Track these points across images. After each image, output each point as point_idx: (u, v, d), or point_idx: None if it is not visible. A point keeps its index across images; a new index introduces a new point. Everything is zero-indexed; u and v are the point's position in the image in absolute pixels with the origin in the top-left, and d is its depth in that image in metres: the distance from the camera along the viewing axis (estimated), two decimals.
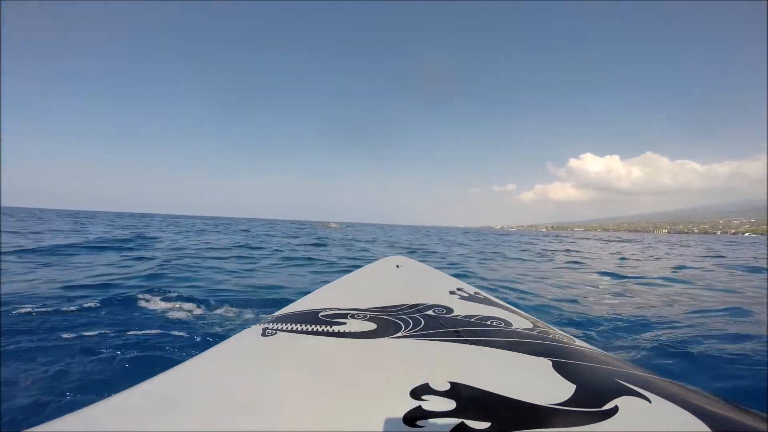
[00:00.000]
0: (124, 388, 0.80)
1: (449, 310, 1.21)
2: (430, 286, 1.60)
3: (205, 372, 0.89)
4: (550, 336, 1.06)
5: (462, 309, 1.23)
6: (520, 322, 1.15)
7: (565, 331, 1.12)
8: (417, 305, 1.25)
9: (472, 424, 0.62)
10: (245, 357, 0.98)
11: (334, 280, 1.74)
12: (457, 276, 1.79)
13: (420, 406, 0.68)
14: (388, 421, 0.65)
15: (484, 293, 1.46)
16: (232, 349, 1.03)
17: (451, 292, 1.45)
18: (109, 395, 0.78)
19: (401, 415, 0.66)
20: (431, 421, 0.64)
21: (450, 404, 0.68)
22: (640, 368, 0.88)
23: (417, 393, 0.72)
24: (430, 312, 1.18)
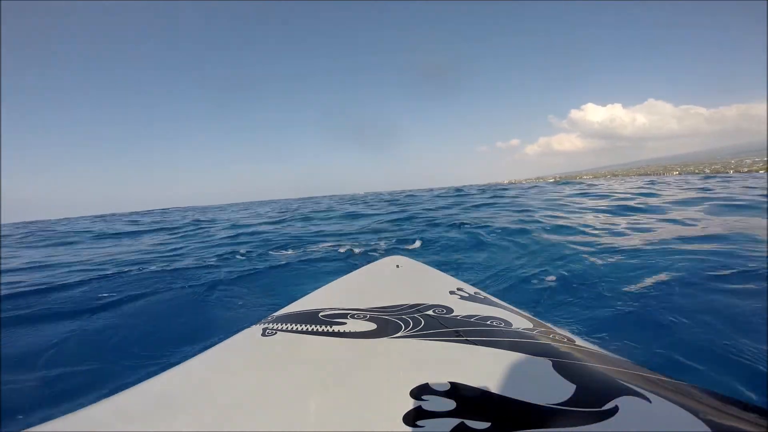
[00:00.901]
0: (122, 388, 0.80)
1: (449, 310, 1.20)
2: (430, 286, 1.59)
3: (205, 372, 0.89)
4: (550, 336, 1.05)
5: (462, 309, 1.22)
6: (520, 322, 1.14)
7: (565, 331, 1.12)
8: (417, 305, 1.24)
9: (472, 424, 0.62)
10: (245, 357, 0.98)
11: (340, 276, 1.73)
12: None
13: (420, 406, 0.68)
14: (388, 421, 0.65)
15: (484, 293, 1.47)
16: (232, 349, 1.03)
17: (451, 292, 1.44)
18: (108, 395, 0.78)
19: (401, 415, 0.66)
20: (431, 421, 0.64)
21: (450, 404, 0.68)
22: (640, 368, 0.88)
23: (417, 393, 0.72)
24: (430, 312, 1.18)
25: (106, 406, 0.74)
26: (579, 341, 1.04)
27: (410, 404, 0.68)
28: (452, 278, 1.68)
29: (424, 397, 0.70)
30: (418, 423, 0.63)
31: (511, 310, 1.27)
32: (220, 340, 1.09)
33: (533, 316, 1.24)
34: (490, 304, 1.33)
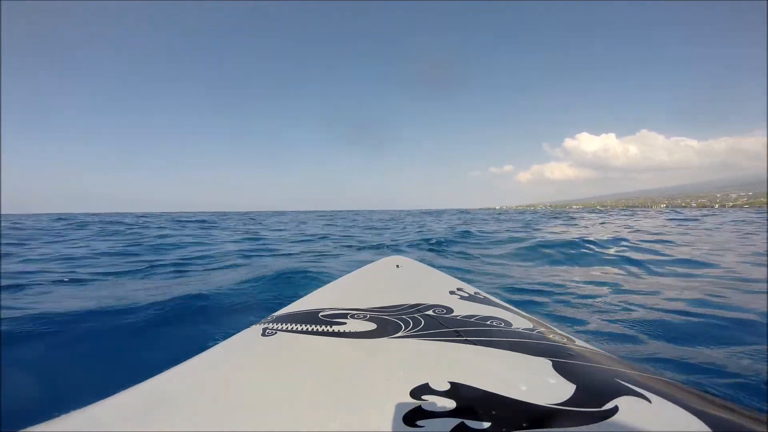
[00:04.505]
0: (123, 388, 0.79)
1: (449, 310, 1.21)
2: (430, 286, 1.60)
3: (205, 372, 0.89)
4: (550, 336, 1.05)
5: (462, 309, 1.23)
6: (520, 322, 1.15)
7: (565, 331, 1.13)
8: (417, 305, 1.25)
9: (472, 424, 0.62)
10: (245, 357, 0.97)
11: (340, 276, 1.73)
12: None
13: (420, 406, 0.68)
14: (388, 421, 0.65)
15: (484, 293, 1.48)
16: (232, 349, 1.03)
17: (451, 292, 1.45)
18: (109, 395, 0.77)
19: (401, 415, 0.66)
20: (431, 421, 0.64)
21: (450, 404, 0.68)
22: (640, 368, 0.88)
23: (417, 393, 0.72)
24: (430, 312, 1.18)
25: (106, 405, 0.74)
26: (579, 341, 1.04)
27: (410, 404, 0.68)
28: (452, 278, 1.70)
29: (424, 397, 0.71)
30: (418, 423, 0.63)
31: (511, 310, 1.28)
32: (221, 340, 1.09)
33: (533, 316, 1.25)
34: (490, 304, 1.33)
